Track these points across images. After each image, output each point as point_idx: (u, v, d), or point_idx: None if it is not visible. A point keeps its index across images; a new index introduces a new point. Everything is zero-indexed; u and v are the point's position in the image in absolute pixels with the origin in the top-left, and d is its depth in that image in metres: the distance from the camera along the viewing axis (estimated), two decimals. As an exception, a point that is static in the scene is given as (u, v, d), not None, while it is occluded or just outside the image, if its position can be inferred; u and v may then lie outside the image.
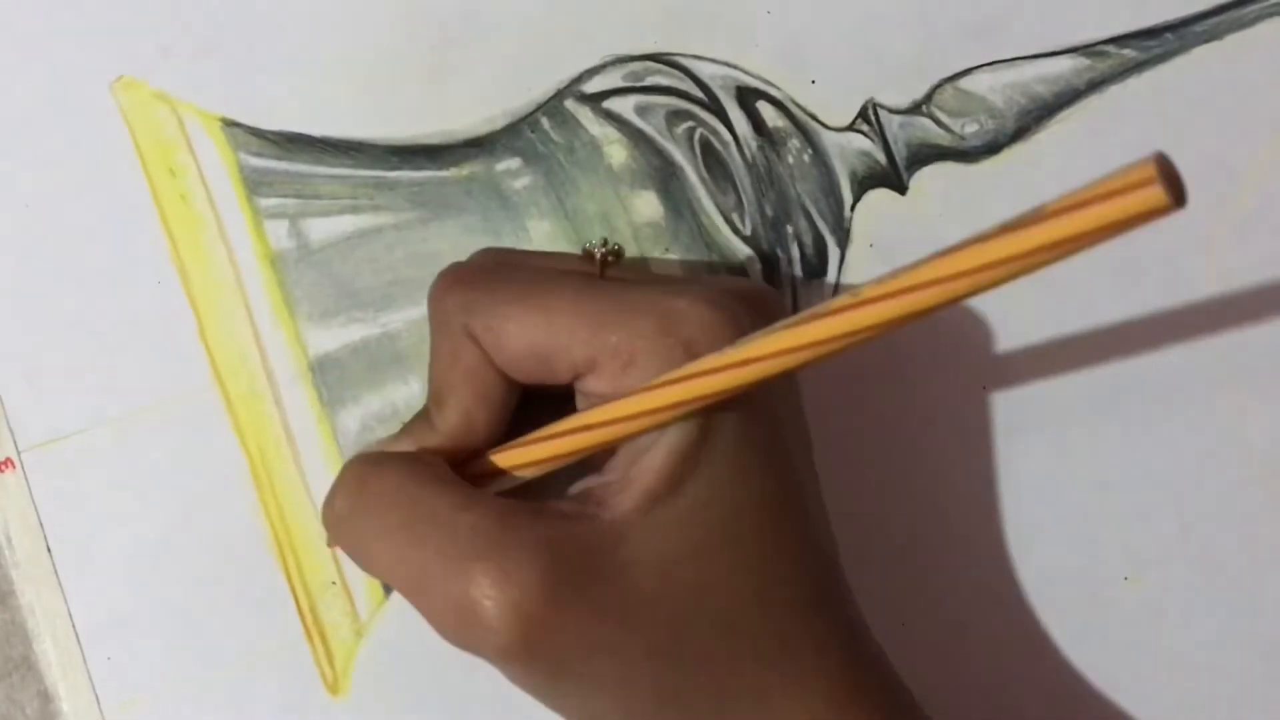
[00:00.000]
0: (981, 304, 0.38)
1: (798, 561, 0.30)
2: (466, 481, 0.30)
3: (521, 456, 0.30)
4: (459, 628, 0.28)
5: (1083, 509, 0.37)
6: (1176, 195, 0.23)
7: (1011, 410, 0.37)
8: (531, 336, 0.30)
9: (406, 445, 0.31)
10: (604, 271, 0.32)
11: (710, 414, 0.29)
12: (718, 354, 0.28)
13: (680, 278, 0.35)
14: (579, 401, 0.31)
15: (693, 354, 0.29)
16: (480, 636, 0.27)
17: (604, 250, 0.33)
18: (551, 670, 0.28)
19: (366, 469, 0.30)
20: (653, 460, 0.29)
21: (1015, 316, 0.37)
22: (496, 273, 0.31)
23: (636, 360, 0.29)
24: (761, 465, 0.30)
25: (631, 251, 0.37)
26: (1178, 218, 0.37)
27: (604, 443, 0.29)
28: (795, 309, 0.37)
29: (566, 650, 0.28)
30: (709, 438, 0.29)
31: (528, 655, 0.27)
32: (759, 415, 0.30)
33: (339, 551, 0.35)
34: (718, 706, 0.29)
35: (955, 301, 0.25)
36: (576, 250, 0.36)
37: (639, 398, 0.28)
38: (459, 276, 0.31)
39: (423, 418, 0.31)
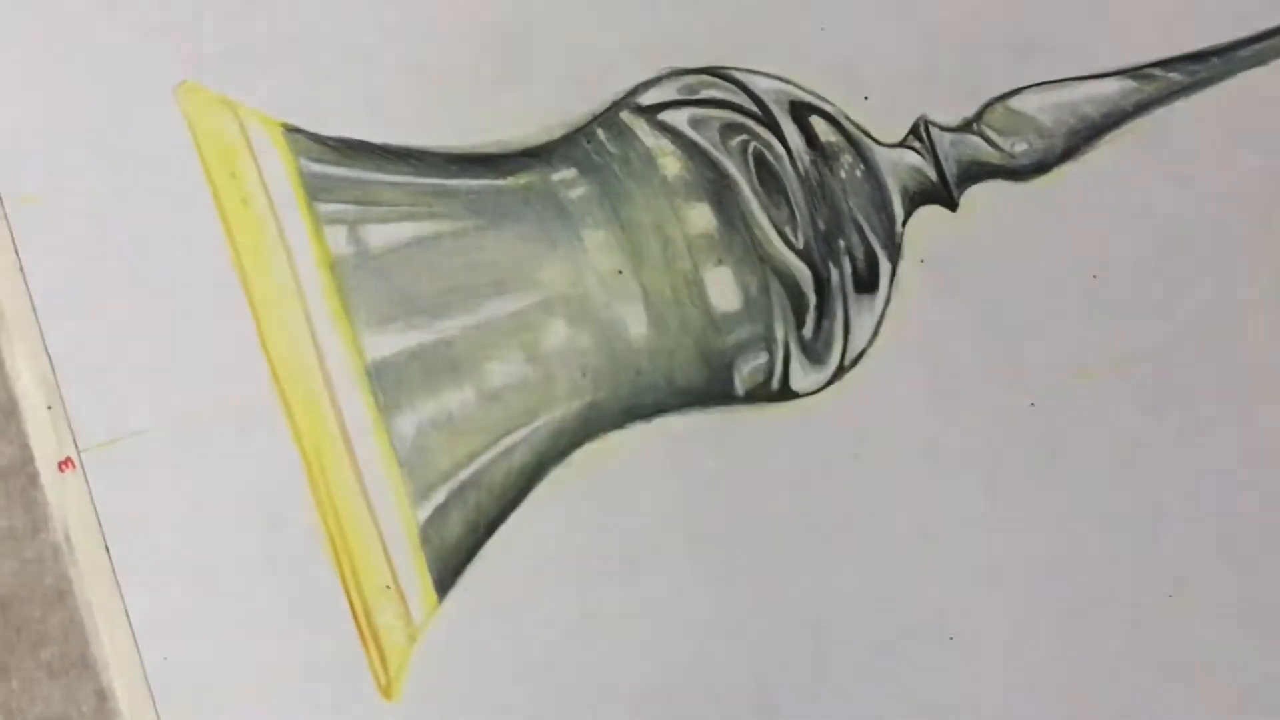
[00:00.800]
0: (1020, 306, 0.38)
1: None
2: None
3: None
4: None
5: (1127, 523, 0.37)
6: None
7: (1052, 421, 0.37)
8: None
9: None
10: None
11: None
12: None
13: None
14: None
15: None
16: None
17: None
18: None
19: None
20: None
21: (1053, 326, 0.38)
22: None
23: None
24: None
25: (685, 262, 0.37)
26: (1227, 240, 0.38)
27: None
28: (847, 323, 0.37)
29: None
30: None
31: None
32: None
33: (393, 556, 0.35)
34: None
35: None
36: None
37: None
38: None
39: None
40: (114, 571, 0.34)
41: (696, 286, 0.37)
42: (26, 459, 0.35)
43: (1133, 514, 0.37)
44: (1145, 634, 0.36)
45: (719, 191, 0.37)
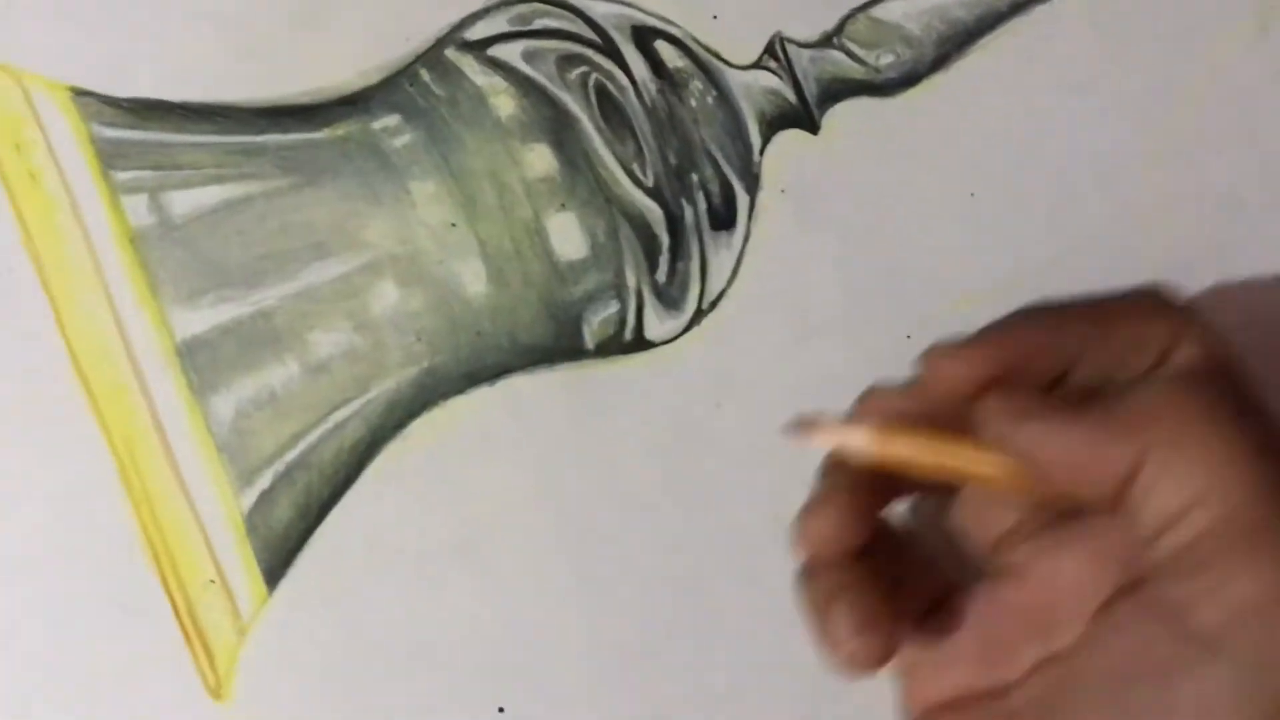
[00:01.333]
0: (893, 233, 0.35)
1: None
2: None
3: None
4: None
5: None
6: None
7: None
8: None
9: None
10: None
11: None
12: None
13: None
14: None
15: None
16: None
17: None
18: None
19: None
20: None
21: (930, 252, 0.35)
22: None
23: None
24: None
25: (525, 210, 0.34)
26: (1113, 149, 0.35)
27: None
28: (704, 263, 0.35)
29: None
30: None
31: None
32: None
33: (216, 548, 0.33)
34: None
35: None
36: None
37: None
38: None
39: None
40: (-88, 583, 0.32)
41: (538, 235, 0.34)
42: None
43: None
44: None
45: (559, 130, 0.35)
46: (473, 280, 0.34)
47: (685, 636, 0.34)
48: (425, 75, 0.35)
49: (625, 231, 0.35)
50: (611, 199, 0.35)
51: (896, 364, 0.35)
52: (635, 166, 0.35)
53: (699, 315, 0.35)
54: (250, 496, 0.33)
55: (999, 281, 0.35)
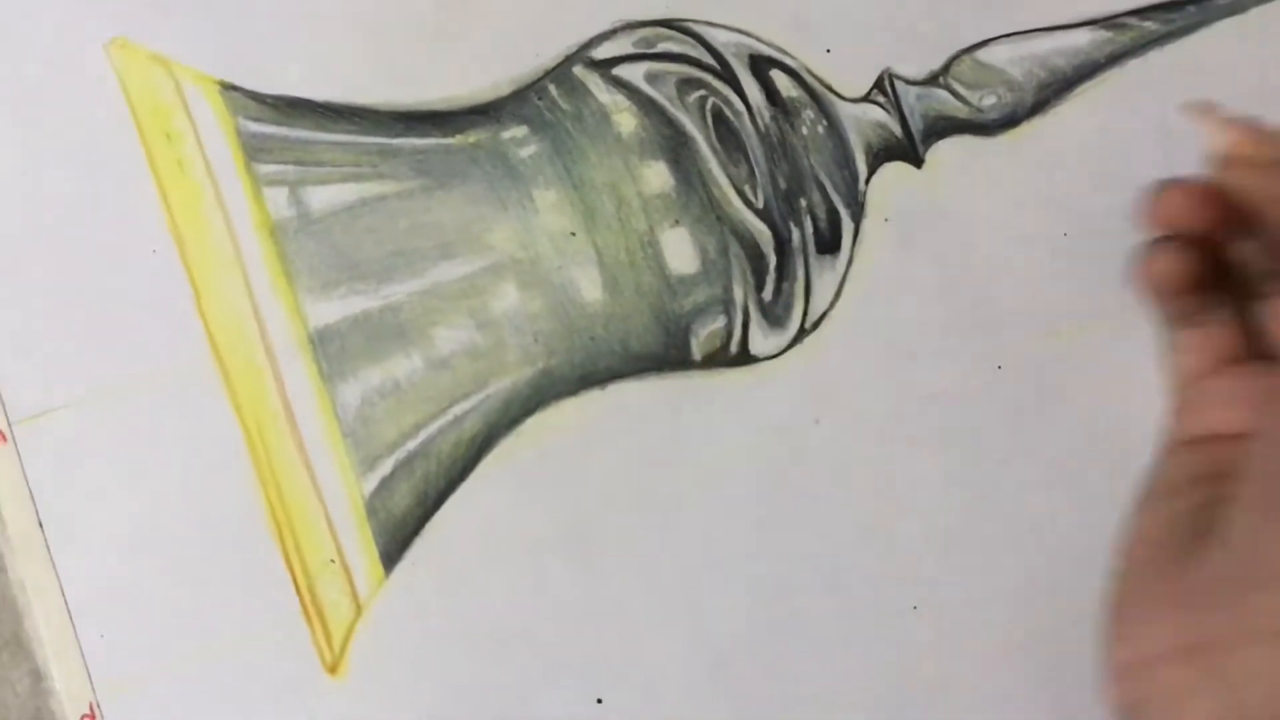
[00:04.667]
0: (988, 266, 0.37)
1: None
2: None
3: None
4: None
5: (1097, 489, 0.36)
6: None
7: (1021, 385, 0.36)
8: None
9: None
10: None
11: None
12: None
13: None
14: None
15: None
16: None
17: None
18: None
19: None
20: None
21: (1023, 286, 0.36)
22: None
23: None
24: None
25: (641, 223, 0.36)
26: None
27: None
28: (808, 284, 0.36)
29: None
30: None
31: None
32: None
33: (338, 529, 0.34)
34: None
35: None
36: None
37: None
38: None
39: None
40: (48, 547, 0.33)
41: (652, 248, 0.36)
42: (-41, 432, 0.34)
43: (1102, 479, 0.36)
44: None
45: (676, 149, 0.36)
46: (589, 287, 0.36)
47: (777, 640, 0.35)
48: (553, 90, 0.36)
49: (734, 249, 0.36)
50: (723, 218, 0.36)
51: (986, 392, 0.36)
52: (747, 188, 0.36)
53: (801, 334, 0.36)
54: (371, 481, 0.34)
55: (1085, 320, 0.37)
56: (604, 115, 0.36)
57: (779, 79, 0.37)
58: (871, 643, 0.35)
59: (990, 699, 0.35)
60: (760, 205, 0.36)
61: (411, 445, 0.35)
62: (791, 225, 0.36)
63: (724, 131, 0.36)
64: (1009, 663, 0.35)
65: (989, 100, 0.37)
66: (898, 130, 0.37)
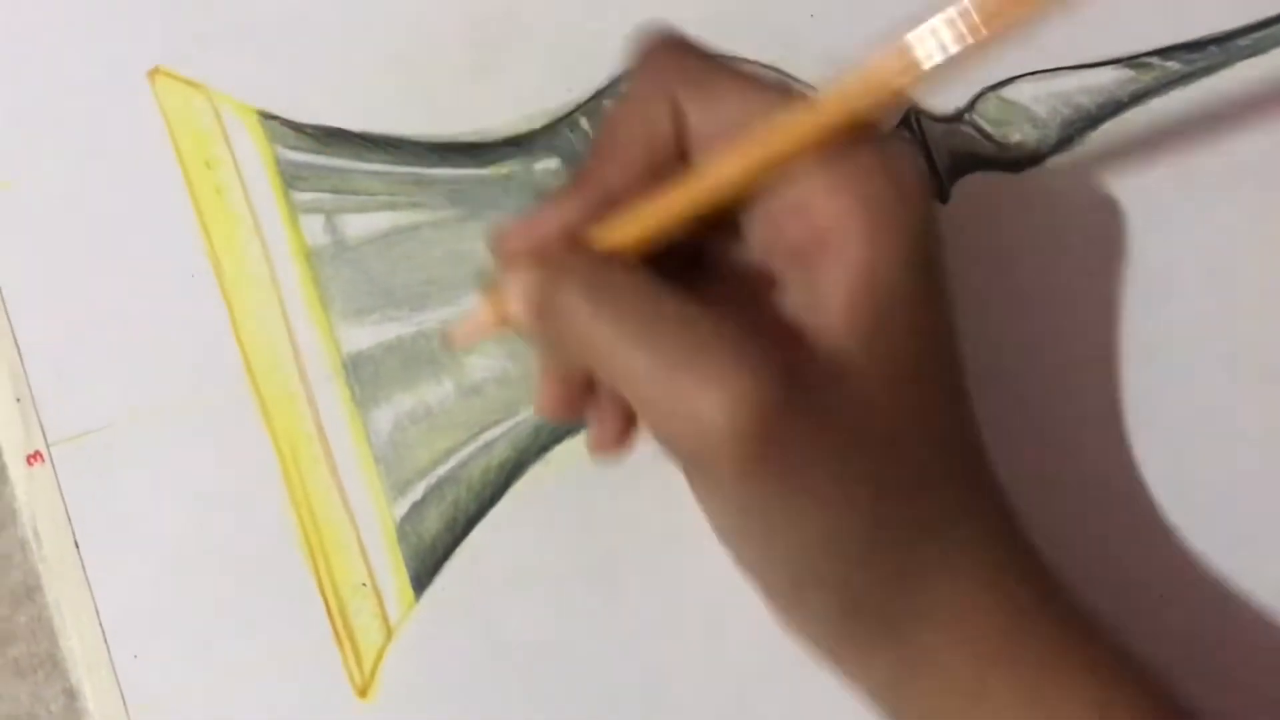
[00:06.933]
0: (1013, 302, 0.37)
1: (969, 397, 0.31)
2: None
3: (659, 203, 0.29)
4: (693, 435, 0.27)
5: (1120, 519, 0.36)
6: None
7: (1046, 421, 0.37)
8: (744, 106, 0.29)
9: (551, 209, 0.29)
10: None
11: (886, 240, 0.28)
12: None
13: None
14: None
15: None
16: (715, 443, 0.26)
17: None
18: (775, 486, 0.27)
19: (592, 267, 0.28)
20: (849, 280, 0.28)
21: (1048, 323, 0.37)
22: (720, 59, 0.30)
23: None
24: (940, 291, 0.29)
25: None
26: (1224, 233, 0.37)
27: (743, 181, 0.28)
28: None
29: (795, 465, 0.27)
30: (898, 260, 0.28)
31: (759, 466, 0.27)
32: (926, 237, 0.29)
33: (369, 553, 0.34)
34: (921, 535, 0.29)
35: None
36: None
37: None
38: (680, 42, 0.30)
39: (563, 187, 0.30)
40: (84, 568, 0.34)
41: (680, 279, 0.36)
42: (-5, 452, 0.34)
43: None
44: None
45: (705, 182, 0.37)
46: (618, 317, 0.36)
47: (801, 670, 0.35)
48: (584, 123, 0.37)
49: (762, 282, 0.37)
50: (750, 250, 0.37)
51: (1011, 427, 0.37)
52: (774, 221, 0.37)
53: (828, 365, 0.37)
54: (403, 506, 0.35)
55: (1106, 357, 0.37)
56: (635, 148, 0.37)
57: (808, 114, 0.37)
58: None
59: None
60: (788, 238, 0.37)
61: (442, 470, 0.35)
62: (819, 258, 0.37)
63: (752, 165, 0.37)
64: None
65: (1014, 137, 0.38)
66: (924, 167, 0.38)
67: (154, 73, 0.36)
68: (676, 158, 0.29)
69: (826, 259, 0.28)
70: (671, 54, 0.30)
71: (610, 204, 0.29)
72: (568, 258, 0.29)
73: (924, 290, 0.29)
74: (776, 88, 0.29)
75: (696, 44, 0.30)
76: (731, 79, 0.29)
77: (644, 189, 0.29)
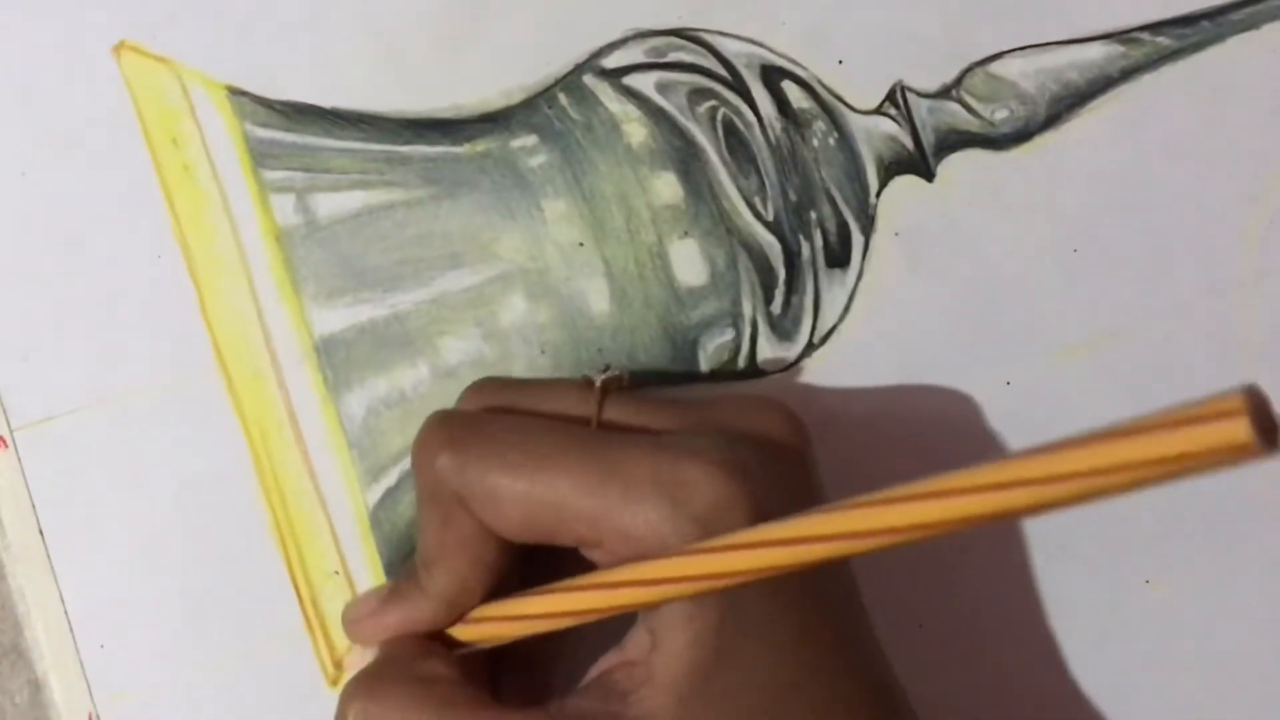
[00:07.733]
0: (998, 281, 0.36)
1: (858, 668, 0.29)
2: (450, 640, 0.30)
3: (519, 609, 0.29)
4: None
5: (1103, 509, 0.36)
6: (1268, 436, 0.20)
7: (1030, 401, 0.36)
8: (529, 511, 0.28)
9: (397, 611, 0.30)
10: (603, 406, 0.31)
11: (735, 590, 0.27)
12: (747, 532, 0.26)
13: (691, 413, 0.31)
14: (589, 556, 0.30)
15: (708, 530, 0.27)
16: None
17: (604, 378, 0.31)
18: None
19: (374, 688, 0.29)
20: (676, 647, 0.27)
21: (1033, 302, 0.36)
22: (487, 432, 0.29)
23: (647, 542, 0.27)
24: (796, 638, 0.28)
25: (650, 234, 0.35)
26: (1213, 212, 0.37)
27: (611, 609, 0.28)
28: (818, 299, 0.36)
29: None
30: (736, 617, 0.27)
31: None
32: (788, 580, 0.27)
33: (341, 540, 0.34)
34: None
35: (1015, 515, 0.23)
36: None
37: (656, 565, 0.27)
38: (448, 437, 0.29)
39: (412, 579, 0.30)
40: (48, 556, 0.33)
41: (661, 260, 0.36)
42: (-41, 437, 0.34)
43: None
44: (1120, 620, 0.35)
45: (686, 160, 0.36)
46: (597, 298, 0.35)
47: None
48: (563, 99, 0.36)
49: (744, 262, 0.36)
50: (732, 230, 0.36)
51: (994, 408, 0.36)
52: (757, 200, 0.36)
53: (810, 348, 0.36)
54: (376, 492, 0.34)
55: (1095, 337, 0.36)
56: (614, 125, 0.36)
57: (790, 90, 0.37)
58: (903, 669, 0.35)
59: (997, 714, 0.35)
60: (770, 218, 0.36)
61: (417, 456, 0.34)
62: (801, 238, 0.36)
63: (734, 143, 0.36)
64: (1012, 679, 0.35)
65: (1001, 114, 0.37)
66: (909, 143, 0.37)
67: (119, 47, 0.35)
68: (503, 545, 0.30)
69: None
70: (454, 458, 0.29)
71: (452, 608, 0.30)
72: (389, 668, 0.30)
73: (768, 643, 0.28)
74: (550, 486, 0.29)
75: (472, 430, 0.30)
76: (504, 479, 0.29)
77: (484, 583, 0.30)
